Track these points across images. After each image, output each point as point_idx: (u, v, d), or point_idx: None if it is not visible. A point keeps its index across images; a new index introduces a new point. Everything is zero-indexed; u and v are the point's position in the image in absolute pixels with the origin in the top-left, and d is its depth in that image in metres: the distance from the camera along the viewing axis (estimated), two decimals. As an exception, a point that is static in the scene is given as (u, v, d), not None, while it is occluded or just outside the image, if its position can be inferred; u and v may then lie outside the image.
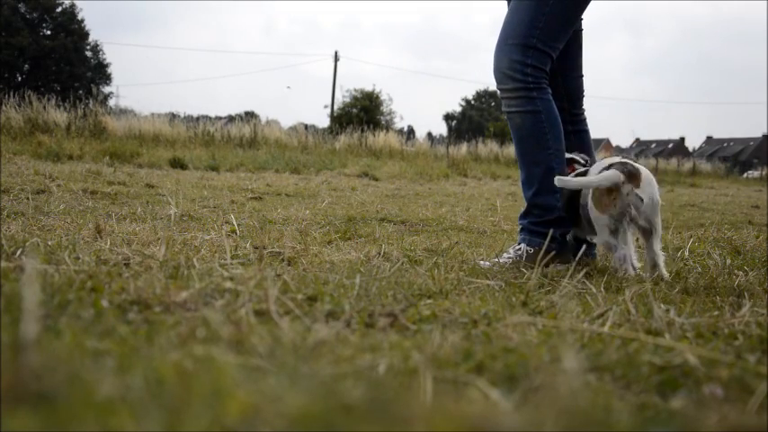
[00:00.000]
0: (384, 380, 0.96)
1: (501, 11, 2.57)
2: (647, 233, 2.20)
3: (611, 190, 2.16)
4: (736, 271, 2.17)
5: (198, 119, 16.66)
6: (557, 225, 2.41)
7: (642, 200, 2.15)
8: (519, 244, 2.45)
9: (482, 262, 2.32)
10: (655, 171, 23.44)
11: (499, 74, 2.47)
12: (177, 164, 8.83)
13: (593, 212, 2.23)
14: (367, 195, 5.93)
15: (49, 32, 35.83)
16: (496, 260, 2.37)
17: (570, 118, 2.65)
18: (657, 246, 2.19)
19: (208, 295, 1.33)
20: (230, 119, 20.53)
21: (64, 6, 36.17)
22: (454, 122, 65.92)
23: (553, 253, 2.30)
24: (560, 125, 2.47)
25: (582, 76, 2.71)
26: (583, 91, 2.72)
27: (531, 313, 1.45)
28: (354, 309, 1.33)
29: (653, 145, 74.25)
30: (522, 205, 2.59)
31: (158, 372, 0.77)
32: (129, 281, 1.37)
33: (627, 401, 0.94)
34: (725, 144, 72.79)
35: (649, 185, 2.17)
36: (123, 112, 17.52)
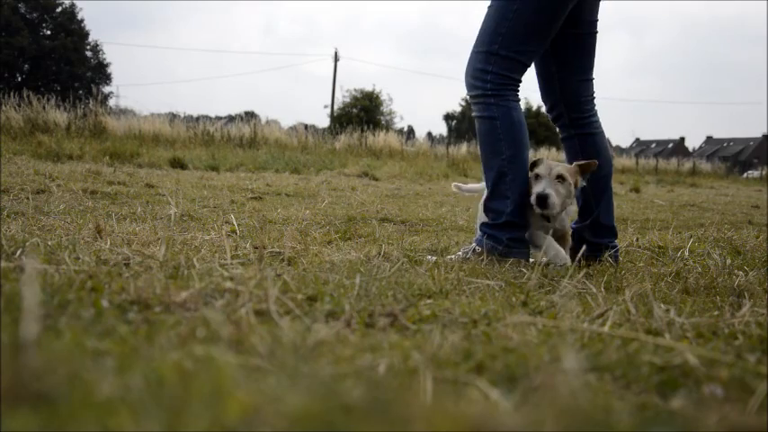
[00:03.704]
0: (384, 380, 0.96)
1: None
2: None
3: None
4: (736, 271, 2.17)
5: (198, 119, 16.66)
6: (505, 229, 2.47)
7: None
8: (472, 243, 2.54)
9: (429, 257, 2.36)
10: (655, 171, 23.45)
11: (467, 82, 2.55)
12: (177, 164, 8.82)
13: None
14: (367, 195, 5.93)
15: (49, 32, 35.80)
16: (451, 257, 2.41)
17: (570, 122, 2.65)
18: None
19: (208, 295, 1.33)
20: (230, 119, 20.52)
21: (64, 6, 36.16)
22: (454, 122, 65.86)
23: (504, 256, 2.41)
24: (521, 132, 2.47)
25: (586, 79, 2.66)
26: (585, 95, 2.66)
27: (531, 313, 1.45)
28: (354, 309, 1.33)
29: (653, 145, 74.28)
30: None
31: (158, 372, 0.77)
32: (129, 281, 1.37)
33: (627, 401, 0.94)
34: (725, 144, 72.81)
35: None
36: (123, 112, 17.52)
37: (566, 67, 2.61)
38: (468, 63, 2.52)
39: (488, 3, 2.50)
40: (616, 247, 2.66)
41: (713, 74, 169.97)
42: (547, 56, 2.62)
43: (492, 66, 2.44)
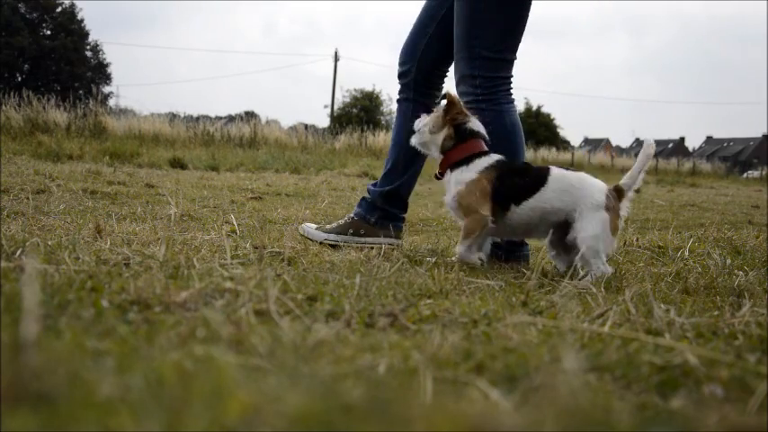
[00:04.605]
0: (384, 380, 0.96)
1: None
2: None
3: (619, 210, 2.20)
4: (736, 271, 2.17)
5: (198, 119, 16.66)
6: None
7: None
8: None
9: (428, 258, 2.34)
10: (655, 171, 23.46)
11: (457, 90, 2.49)
12: (177, 164, 8.81)
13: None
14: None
15: (49, 32, 35.78)
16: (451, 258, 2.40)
17: (415, 86, 2.57)
18: None
19: (208, 295, 1.33)
20: (230, 119, 20.51)
21: (64, 6, 36.13)
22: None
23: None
24: (514, 134, 2.44)
25: (453, 58, 2.56)
26: (444, 70, 2.60)
27: (531, 313, 1.45)
28: (354, 309, 1.33)
29: (653, 145, 73.97)
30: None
31: (158, 372, 0.77)
32: (129, 281, 1.37)
33: (627, 401, 0.94)
34: (725, 144, 72.83)
35: None
36: (123, 112, 17.51)
37: (448, 36, 2.52)
38: (455, 71, 2.47)
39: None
40: (403, 220, 2.64)
41: (713, 74, 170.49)
42: (434, 17, 2.52)
43: (478, 69, 2.39)
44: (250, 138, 14.81)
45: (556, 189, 2.18)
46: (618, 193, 2.21)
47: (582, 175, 2.24)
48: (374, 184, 2.65)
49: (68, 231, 2.37)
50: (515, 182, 2.19)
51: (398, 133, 2.60)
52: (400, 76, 2.62)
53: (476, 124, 2.29)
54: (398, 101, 2.65)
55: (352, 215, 2.62)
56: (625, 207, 2.22)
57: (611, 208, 2.16)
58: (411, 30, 2.60)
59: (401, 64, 2.62)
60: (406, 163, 2.59)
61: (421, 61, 2.55)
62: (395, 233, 2.57)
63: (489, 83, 2.40)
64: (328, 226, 2.55)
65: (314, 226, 2.47)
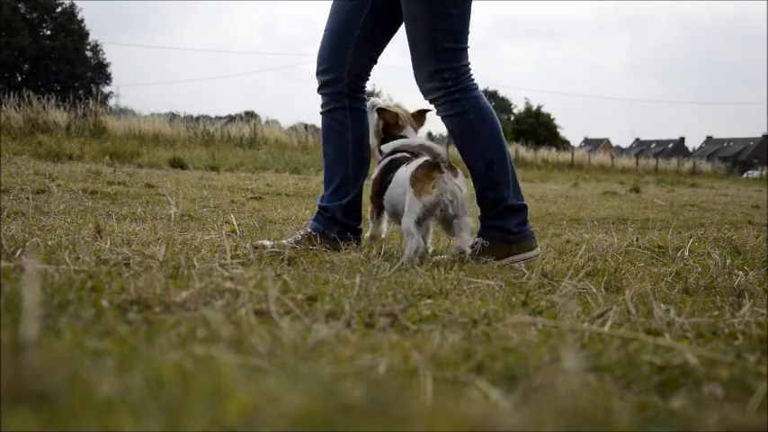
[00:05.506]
0: (384, 380, 0.96)
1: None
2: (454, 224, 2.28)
3: (432, 176, 2.23)
4: (736, 271, 2.17)
5: (198, 119, 16.68)
6: (509, 216, 2.39)
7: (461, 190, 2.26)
8: (477, 237, 2.45)
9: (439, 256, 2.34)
10: (655, 171, 23.47)
11: (423, 89, 2.44)
12: (177, 164, 8.82)
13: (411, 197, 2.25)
14: (367, 195, 5.92)
15: (49, 32, 35.81)
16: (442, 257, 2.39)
17: (349, 92, 2.51)
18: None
19: (208, 295, 1.33)
20: (230, 119, 20.51)
21: (64, 6, 36.17)
22: (454, 122, 65.65)
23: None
24: (491, 116, 2.42)
25: (375, 60, 2.57)
26: (369, 72, 2.56)
27: (531, 313, 1.45)
28: (354, 309, 1.33)
29: (653, 145, 74.29)
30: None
31: (158, 372, 0.77)
32: (129, 281, 1.37)
33: (627, 401, 0.94)
34: (725, 144, 72.86)
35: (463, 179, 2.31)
36: (123, 111, 17.51)
37: (381, 37, 2.51)
38: (417, 70, 2.42)
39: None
40: (361, 230, 2.62)
41: (713, 74, 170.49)
42: (356, 19, 2.47)
43: (444, 62, 2.35)
44: (250, 138, 14.82)
45: (394, 181, 2.38)
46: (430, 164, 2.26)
47: (414, 162, 2.32)
48: (323, 199, 2.58)
49: (68, 231, 2.37)
50: (381, 178, 2.47)
51: (342, 145, 2.54)
52: (327, 84, 2.52)
53: (406, 132, 2.56)
54: (331, 110, 2.54)
55: (309, 230, 2.53)
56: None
57: (417, 179, 2.25)
58: (330, 35, 2.52)
59: (326, 71, 2.51)
60: (356, 173, 2.57)
61: (351, 67, 2.49)
62: (356, 244, 2.52)
63: (456, 73, 2.37)
64: (284, 241, 2.41)
65: (269, 243, 2.35)
